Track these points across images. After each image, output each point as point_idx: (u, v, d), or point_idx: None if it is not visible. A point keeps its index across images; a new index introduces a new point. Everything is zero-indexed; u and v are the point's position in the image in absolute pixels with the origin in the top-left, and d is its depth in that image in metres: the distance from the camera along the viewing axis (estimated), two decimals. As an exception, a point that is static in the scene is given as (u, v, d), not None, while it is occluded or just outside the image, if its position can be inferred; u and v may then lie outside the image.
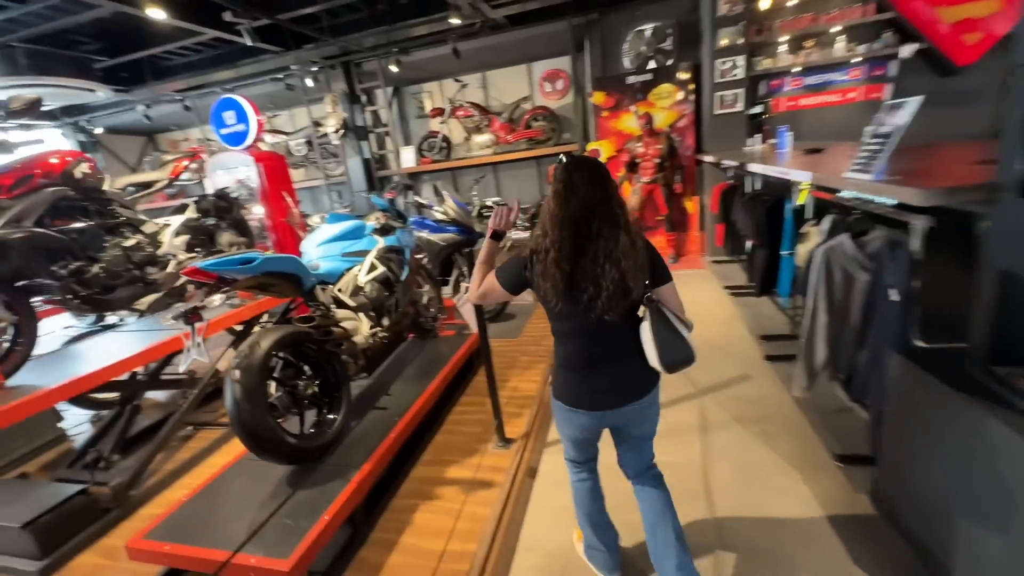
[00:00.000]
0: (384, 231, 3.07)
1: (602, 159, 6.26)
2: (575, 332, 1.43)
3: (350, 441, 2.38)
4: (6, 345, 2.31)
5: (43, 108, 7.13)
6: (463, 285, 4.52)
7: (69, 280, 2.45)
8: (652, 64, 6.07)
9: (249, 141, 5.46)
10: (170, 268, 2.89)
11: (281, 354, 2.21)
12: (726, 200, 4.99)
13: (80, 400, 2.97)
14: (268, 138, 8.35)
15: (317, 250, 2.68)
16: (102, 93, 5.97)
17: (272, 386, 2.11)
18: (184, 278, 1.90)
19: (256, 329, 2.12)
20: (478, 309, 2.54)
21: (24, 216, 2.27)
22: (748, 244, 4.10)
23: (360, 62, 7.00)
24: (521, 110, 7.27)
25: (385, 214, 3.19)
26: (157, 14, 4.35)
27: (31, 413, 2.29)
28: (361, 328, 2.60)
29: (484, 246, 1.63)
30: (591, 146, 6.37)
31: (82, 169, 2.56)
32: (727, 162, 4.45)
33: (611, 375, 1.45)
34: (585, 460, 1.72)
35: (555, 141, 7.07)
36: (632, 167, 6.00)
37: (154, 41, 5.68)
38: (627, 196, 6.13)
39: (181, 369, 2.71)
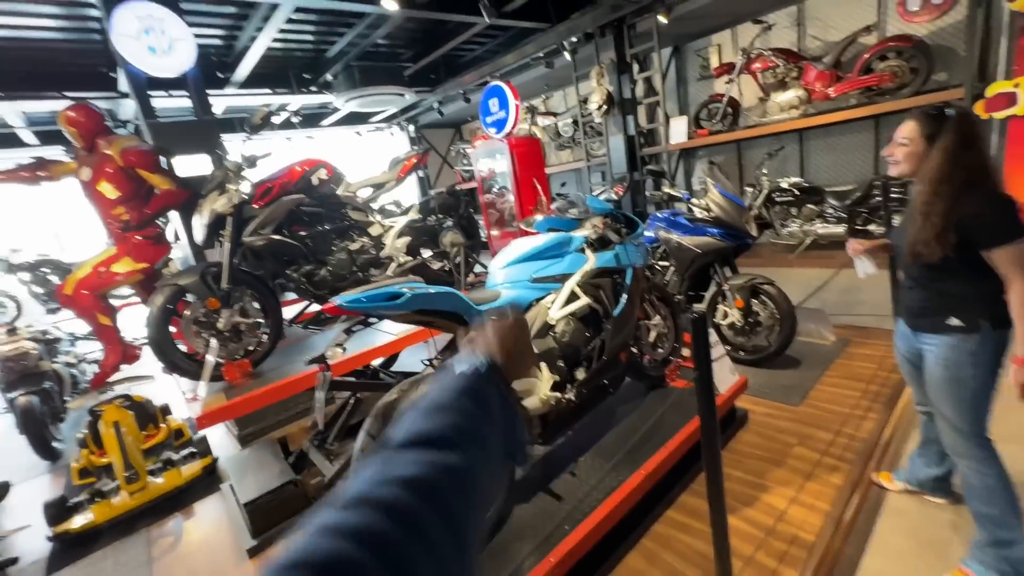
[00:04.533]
0: (597, 246, 2.25)
1: (1019, 109, 3.63)
2: None
3: (500, 540, 1.77)
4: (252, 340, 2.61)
5: (382, 113, 9.04)
6: (721, 309, 3.28)
7: (301, 281, 2.64)
8: None
9: (508, 128, 5.39)
10: (389, 271, 2.88)
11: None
12: None
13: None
14: (541, 120, 8.44)
15: (502, 273, 2.09)
16: (409, 96, 6.96)
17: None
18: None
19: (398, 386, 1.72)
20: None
21: (266, 223, 2.51)
22: None
23: (634, 23, 6.08)
24: (857, 47, 4.97)
25: (605, 220, 2.35)
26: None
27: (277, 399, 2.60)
28: (538, 387, 1.90)
29: None
30: (996, 88, 3.76)
31: (318, 175, 2.71)
32: None
33: None
34: None
35: (916, 87, 4.57)
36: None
37: (444, 40, 6.18)
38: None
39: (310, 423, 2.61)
